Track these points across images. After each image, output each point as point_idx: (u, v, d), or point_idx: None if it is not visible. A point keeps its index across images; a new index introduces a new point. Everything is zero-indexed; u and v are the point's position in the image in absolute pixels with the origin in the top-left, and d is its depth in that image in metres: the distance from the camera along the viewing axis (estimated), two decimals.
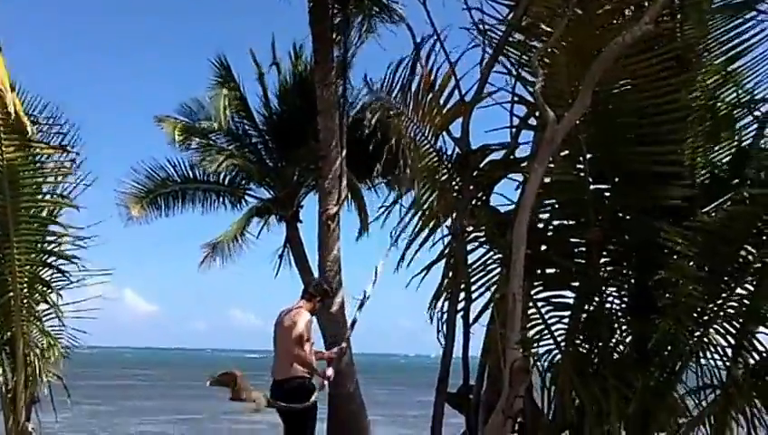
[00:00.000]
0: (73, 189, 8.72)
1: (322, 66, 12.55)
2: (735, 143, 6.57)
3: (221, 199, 18.51)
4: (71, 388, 8.80)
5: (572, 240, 6.68)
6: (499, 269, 6.69)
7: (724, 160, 6.57)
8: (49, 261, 8.69)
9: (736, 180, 6.38)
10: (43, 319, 8.76)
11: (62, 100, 8.88)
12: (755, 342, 6.11)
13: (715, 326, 6.06)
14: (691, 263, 6.00)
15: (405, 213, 6.49)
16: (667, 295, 6.20)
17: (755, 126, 6.57)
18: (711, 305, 6.01)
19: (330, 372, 9.14)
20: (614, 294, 6.48)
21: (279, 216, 17.88)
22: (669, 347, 6.17)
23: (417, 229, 6.47)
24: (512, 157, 6.89)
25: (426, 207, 6.48)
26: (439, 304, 6.79)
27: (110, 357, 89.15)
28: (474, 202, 6.57)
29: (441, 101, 6.21)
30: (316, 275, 14.13)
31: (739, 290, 5.98)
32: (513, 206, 6.87)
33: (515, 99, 6.57)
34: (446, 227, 6.90)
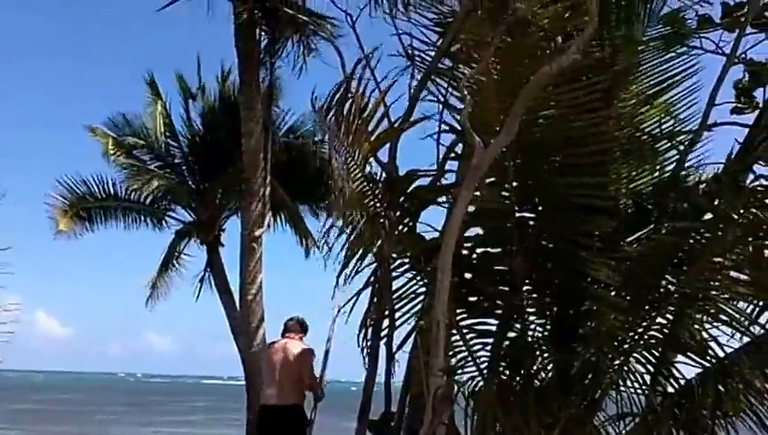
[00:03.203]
0: None
1: (249, 87, 12.38)
2: (658, 174, 6.67)
3: (142, 218, 18.13)
4: None
5: (496, 268, 6.67)
6: (423, 296, 6.63)
7: (645, 191, 6.65)
8: None
9: (657, 211, 6.47)
10: None
11: None
12: (674, 370, 6.16)
13: (635, 355, 6.11)
14: (613, 292, 6.06)
15: (335, 239, 6.38)
16: (589, 324, 6.26)
17: (677, 157, 6.70)
18: (632, 334, 6.06)
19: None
20: (537, 322, 6.47)
21: (200, 239, 17.55)
22: (590, 375, 6.20)
23: (347, 256, 6.38)
24: (438, 183, 6.87)
25: (355, 233, 6.38)
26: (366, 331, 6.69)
27: (20, 380, 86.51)
28: (400, 228, 6.50)
29: (371, 126, 6.13)
30: (237, 299, 13.88)
31: (659, 319, 6.04)
32: (439, 233, 6.89)
33: (444, 126, 6.56)
34: (372, 253, 6.80)
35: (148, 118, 17.93)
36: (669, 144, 6.75)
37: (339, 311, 7.66)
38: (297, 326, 9.94)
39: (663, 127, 6.76)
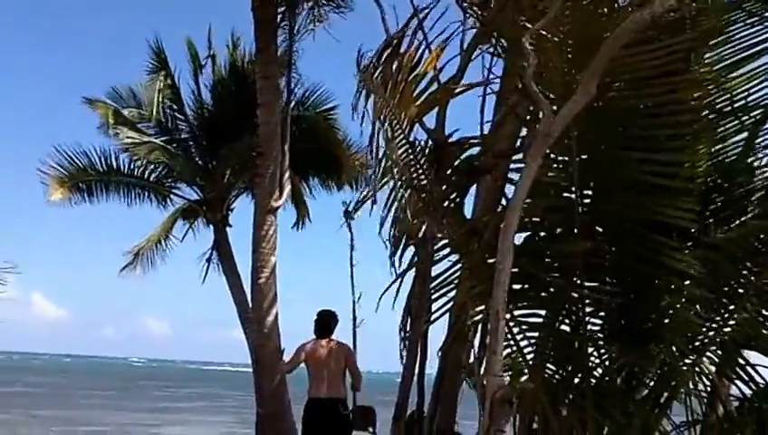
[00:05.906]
0: None
1: (265, 55, 11.60)
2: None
3: (146, 195, 17.32)
4: None
5: (548, 252, 5.95)
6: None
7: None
8: None
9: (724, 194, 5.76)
10: None
11: None
12: (751, 370, 5.46)
13: (709, 354, 5.42)
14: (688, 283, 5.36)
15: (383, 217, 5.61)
16: (656, 318, 5.55)
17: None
18: (705, 330, 5.38)
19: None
20: (595, 313, 5.74)
21: (207, 218, 16.79)
22: (656, 376, 5.51)
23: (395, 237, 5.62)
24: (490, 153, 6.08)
25: (395, 209, 5.60)
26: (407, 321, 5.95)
27: (14, 363, 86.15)
28: (446, 204, 5.72)
29: (420, 87, 5.33)
30: (246, 281, 13.25)
31: (737, 314, 5.36)
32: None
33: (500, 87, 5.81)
34: (411, 233, 6.02)
35: (156, 89, 16.99)
36: (738, 122, 5.98)
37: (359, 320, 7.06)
38: (332, 321, 10.70)
39: (733, 101, 5.98)
